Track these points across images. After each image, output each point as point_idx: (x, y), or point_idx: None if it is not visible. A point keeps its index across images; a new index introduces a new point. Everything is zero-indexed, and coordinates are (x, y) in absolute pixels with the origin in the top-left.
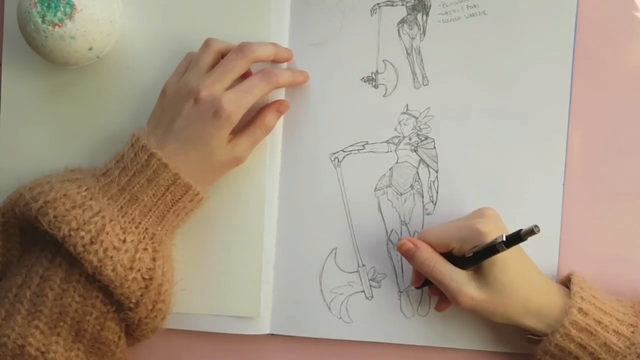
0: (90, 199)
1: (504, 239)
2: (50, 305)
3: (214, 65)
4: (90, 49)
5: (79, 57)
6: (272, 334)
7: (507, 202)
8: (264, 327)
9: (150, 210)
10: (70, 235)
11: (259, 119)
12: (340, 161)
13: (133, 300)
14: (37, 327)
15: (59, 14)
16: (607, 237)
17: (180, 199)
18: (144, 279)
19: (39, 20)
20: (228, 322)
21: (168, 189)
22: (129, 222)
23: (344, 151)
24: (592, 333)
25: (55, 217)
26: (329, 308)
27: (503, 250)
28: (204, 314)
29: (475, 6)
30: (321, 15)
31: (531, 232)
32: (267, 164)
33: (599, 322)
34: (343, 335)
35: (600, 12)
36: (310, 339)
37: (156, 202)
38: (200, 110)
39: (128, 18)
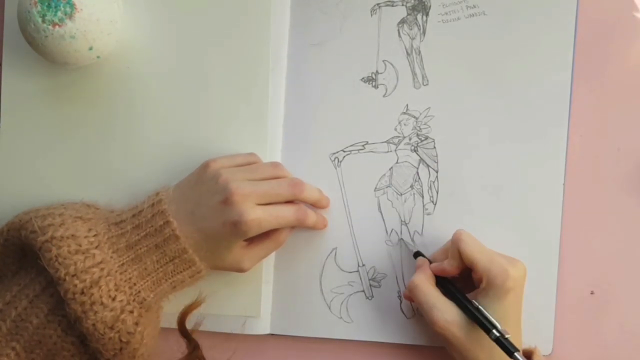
0: (96, 247)
1: (499, 334)
2: (32, 332)
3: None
4: (90, 48)
5: (79, 57)
6: (272, 334)
7: (507, 202)
8: (264, 327)
9: (149, 274)
10: (65, 280)
11: (275, 235)
12: (340, 161)
13: (105, 356)
14: (13, 348)
15: (59, 13)
16: (607, 237)
17: (181, 272)
18: (120, 340)
19: (39, 19)
20: (228, 322)
21: (172, 260)
22: (125, 281)
23: (344, 151)
24: None
25: (56, 256)
26: (329, 308)
27: (494, 339)
28: (204, 314)
29: (475, 6)
30: (321, 16)
31: None
32: None
33: None
34: (343, 335)
35: (600, 12)
36: (310, 338)
37: (157, 268)
38: (225, 212)
39: (128, 18)
